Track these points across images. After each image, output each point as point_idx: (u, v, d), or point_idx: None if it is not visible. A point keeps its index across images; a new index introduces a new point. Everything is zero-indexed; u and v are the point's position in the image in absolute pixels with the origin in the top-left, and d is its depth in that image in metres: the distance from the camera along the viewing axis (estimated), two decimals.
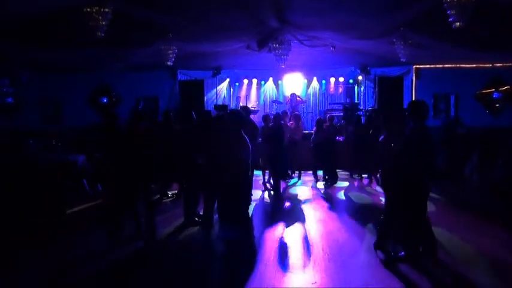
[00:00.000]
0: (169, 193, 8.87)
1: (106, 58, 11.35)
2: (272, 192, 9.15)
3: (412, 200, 4.91)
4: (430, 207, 5.46)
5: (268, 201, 8.74)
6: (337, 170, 10.46)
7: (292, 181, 10.70)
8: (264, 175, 9.68)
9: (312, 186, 10.20)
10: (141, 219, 5.96)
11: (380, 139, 5.37)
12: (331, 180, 10.16)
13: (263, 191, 9.38)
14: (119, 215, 6.15)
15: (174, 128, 7.82)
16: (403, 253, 5.08)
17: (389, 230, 5.24)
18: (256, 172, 9.51)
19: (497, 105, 13.47)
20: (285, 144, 9.50)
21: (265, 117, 9.61)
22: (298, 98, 14.65)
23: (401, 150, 4.91)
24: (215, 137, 5.66)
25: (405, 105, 13.13)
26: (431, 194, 5.24)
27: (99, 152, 6.77)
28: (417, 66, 13.76)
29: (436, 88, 13.68)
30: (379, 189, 9.67)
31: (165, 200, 8.56)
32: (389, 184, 5.28)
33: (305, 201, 8.59)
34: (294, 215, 7.42)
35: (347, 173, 11.60)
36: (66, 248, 5.87)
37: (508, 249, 5.56)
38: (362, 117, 12.69)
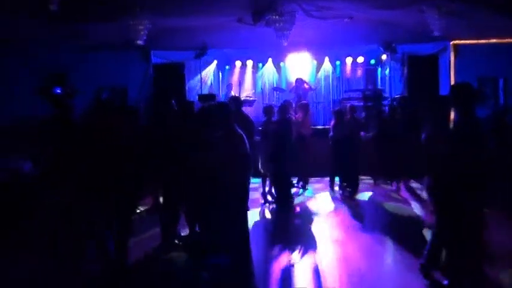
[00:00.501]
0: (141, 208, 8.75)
1: (60, 37, 11.22)
2: (274, 206, 9.11)
3: (469, 213, 4.87)
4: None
5: (270, 217, 8.70)
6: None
7: (299, 191, 10.63)
8: (264, 183, 9.54)
9: (326, 197, 10.18)
10: (108, 245, 5.82)
11: (423, 137, 5.26)
12: (352, 188, 10.12)
13: (262, 205, 9.29)
14: (78, 237, 5.99)
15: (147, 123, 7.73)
16: (446, 282, 5.03)
17: (440, 252, 5.23)
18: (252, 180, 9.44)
19: None
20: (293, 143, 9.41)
21: (268, 109, 9.54)
22: (305, 85, 14.55)
23: (454, 149, 4.86)
24: (198, 135, 5.56)
25: (442, 92, 13.18)
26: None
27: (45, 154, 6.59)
28: (455, 42, 13.72)
29: (481, 70, 13.59)
30: (409, 196, 9.66)
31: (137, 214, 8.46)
32: (440, 193, 5.17)
33: (317, 216, 8.54)
34: (303, 235, 7.38)
35: (368, 177, 11.56)
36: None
37: None
38: (387, 107, 12.63)
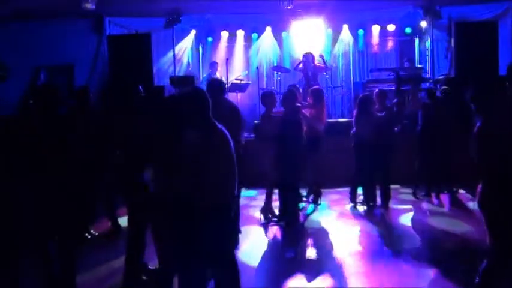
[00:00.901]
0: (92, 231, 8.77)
1: None
2: (278, 225, 9.16)
3: None
4: None
5: (271, 241, 8.71)
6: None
7: (309, 207, 10.65)
8: (268, 197, 9.60)
9: (345, 214, 10.19)
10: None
11: (475, 131, 5.31)
12: (381, 202, 10.20)
13: (263, 224, 9.34)
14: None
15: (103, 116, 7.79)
16: None
17: (496, 282, 5.22)
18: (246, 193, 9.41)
19: None
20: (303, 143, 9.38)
21: (268, 97, 9.48)
22: (316, 63, 14.53)
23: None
24: (169, 132, 5.51)
25: (503, 71, 13.23)
26: None
27: None
28: None
29: None
30: (459, 212, 9.67)
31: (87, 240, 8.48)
32: (495, 206, 5.21)
33: (332, 240, 8.56)
34: (316, 265, 7.40)
35: (407, 189, 11.60)
36: None
37: None
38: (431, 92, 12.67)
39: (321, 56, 14.76)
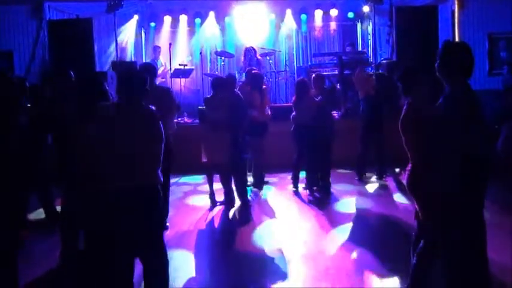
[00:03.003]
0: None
1: None
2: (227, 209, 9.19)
3: (462, 215, 4.90)
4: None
5: (219, 227, 8.67)
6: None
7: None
8: (210, 182, 9.55)
9: (287, 199, 10.17)
10: None
11: (401, 116, 5.27)
12: (323, 184, 10.19)
13: (211, 209, 9.32)
14: None
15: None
16: None
17: (428, 268, 5.25)
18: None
19: None
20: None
21: (219, 83, 9.32)
22: (258, 56, 14.40)
23: (436, 131, 4.90)
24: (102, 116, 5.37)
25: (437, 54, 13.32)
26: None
27: None
28: None
29: (494, 24, 13.94)
30: (403, 194, 9.79)
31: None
32: (420, 189, 5.25)
33: (276, 225, 8.59)
34: (259, 249, 7.41)
35: (348, 171, 11.69)
36: None
37: None
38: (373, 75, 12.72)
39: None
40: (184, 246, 7.43)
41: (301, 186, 10.54)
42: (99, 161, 4.72)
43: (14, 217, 5.98)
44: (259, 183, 10.75)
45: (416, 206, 5.43)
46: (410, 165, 5.33)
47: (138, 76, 4.91)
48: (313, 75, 11.00)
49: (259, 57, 14.44)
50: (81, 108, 5.45)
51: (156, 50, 15.49)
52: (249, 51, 14.28)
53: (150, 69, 7.84)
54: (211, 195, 9.52)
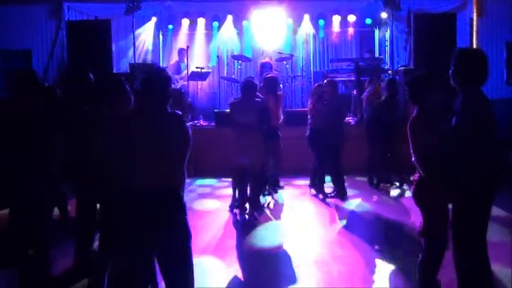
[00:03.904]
0: None
1: None
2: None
3: (465, 224, 4.94)
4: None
5: (232, 230, 8.62)
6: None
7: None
8: (240, 187, 9.31)
9: (302, 203, 10.14)
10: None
11: (409, 122, 5.28)
12: (339, 189, 10.21)
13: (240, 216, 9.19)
14: None
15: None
16: None
17: (434, 274, 5.26)
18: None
19: None
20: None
21: (249, 85, 9.23)
22: (275, 72, 14.22)
23: (447, 140, 4.89)
24: (126, 118, 5.32)
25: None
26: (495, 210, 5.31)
27: None
28: None
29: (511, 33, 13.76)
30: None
31: None
32: (426, 197, 5.24)
33: (287, 229, 8.68)
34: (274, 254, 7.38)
35: (364, 178, 11.62)
36: None
37: None
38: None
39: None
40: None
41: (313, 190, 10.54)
42: (123, 162, 4.62)
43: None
44: (275, 187, 10.75)
45: (422, 219, 5.45)
46: (417, 175, 5.33)
47: (163, 79, 4.85)
48: (325, 80, 10.95)
49: (275, 72, 14.26)
50: (108, 108, 5.44)
51: (182, 52, 15.34)
52: (265, 67, 14.01)
53: (160, 73, 7.88)
54: (236, 202, 9.31)
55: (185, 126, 4.72)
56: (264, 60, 14.31)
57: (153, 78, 4.85)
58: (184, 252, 4.68)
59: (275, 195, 10.58)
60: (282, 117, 10.43)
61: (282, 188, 10.90)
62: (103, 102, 5.63)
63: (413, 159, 5.23)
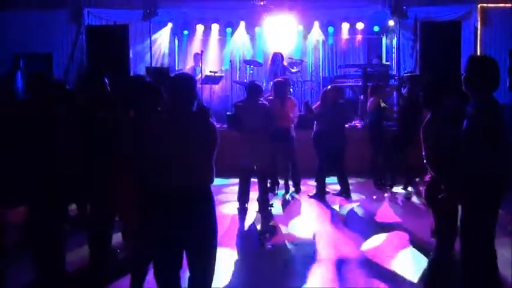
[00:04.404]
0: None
1: None
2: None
3: (476, 226, 4.96)
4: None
5: (242, 228, 8.82)
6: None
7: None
8: (246, 188, 9.57)
9: (303, 203, 10.32)
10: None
11: (423, 128, 5.36)
12: (343, 190, 10.43)
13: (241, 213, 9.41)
14: None
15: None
16: None
17: (445, 277, 5.31)
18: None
19: None
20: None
21: (255, 87, 9.45)
22: (285, 63, 14.44)
23: (460, 143, 4.93)
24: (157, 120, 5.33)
25: (464, 69, 13.35)
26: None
27: None
28: (484, 5, 13.96)
29: None
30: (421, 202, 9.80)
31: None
32: (438, 199, 5.25)
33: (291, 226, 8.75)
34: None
35: (368, 179, 11.72)
36: None
37: None
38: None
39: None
40: None
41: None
42: (157, 164, 4.67)
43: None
44: (296, 189, 10.95)
45: (433, 220, 5.49)
46: (429, 176, 5.37)
47: (190, 82, 4.95)
48: (330, 86, 11.07)
49: (285, 64, 14.49)
50: (136, 110, 5.46)
51: (196, 57, 15.40)
52: (277, 57, 14.27)
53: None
54: (244, 202, 9.47)
55: (212, 126, 4.78)
56: (275, 52, 14.44)
57: (181, 80, 4.99)
58: (211, 246, 4.77)
59: (286, 195, 10.76)
60: (295, 120, 10.57)
61: (299, 191, 10.92)
62: (131, 105, 5.58)
63: (425, 161, 5.28)
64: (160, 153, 4.62)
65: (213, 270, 4.85)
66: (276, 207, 9.92)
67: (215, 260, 4.82)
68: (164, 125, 4.73)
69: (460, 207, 5.14)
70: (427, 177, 5.42)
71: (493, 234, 5.03)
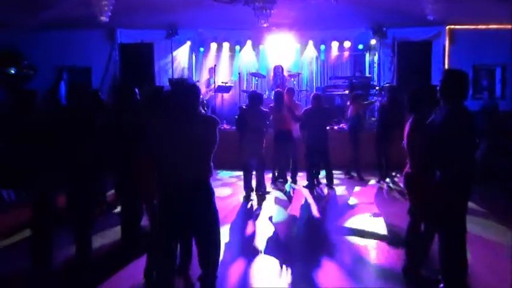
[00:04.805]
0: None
1: (15, 11, 11.18)
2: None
3: (451, 210, 5.00)
4: None
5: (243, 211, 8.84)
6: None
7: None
8: (250, 178, 9.70)
9: (302, 189, 10.41)
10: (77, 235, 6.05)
11: (406, 128, 5.43)
12: (328, 181, 10.59)
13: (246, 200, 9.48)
14: (47, 234, 6.15)
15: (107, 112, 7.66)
16: (442, 285, 5.17)
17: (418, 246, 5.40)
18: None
19: None
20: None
21: (256, 96, 9.64)
22: (285, 73, 14.58)
23: (434, 142, 4.99)
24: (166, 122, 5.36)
25: (434, 80, 13.35)
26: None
27: (4, 145, 6.58)
28: (451, 27, 13.95)
29: (477, 57, 13.92)
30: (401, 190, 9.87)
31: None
32: (415, 185, 5.40)
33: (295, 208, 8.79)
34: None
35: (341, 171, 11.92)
36: None
37: None
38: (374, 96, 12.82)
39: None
40: None
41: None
42: (168, 162, 4.75)
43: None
44: (283, 179, 10.95)
45: (411, 202, 5.56)
46: (408, 167, 5.42)
47: (194, 91, 4.95)
48: (312, 94, 11.06)
49: (285, 75, 14.56)
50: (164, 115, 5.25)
51: (211, 70, 15.58)
52: (278, 69, 14.49)
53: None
54: (250, 188, 9.58)
55: (215, 130, 4.79)
56: (276, 65, 14.68)
57: (186, 90, 4.99)
58: (214, 225, 4.89)
59: (285, 185, 10.74)
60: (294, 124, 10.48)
61: (296, 182, 10.93)
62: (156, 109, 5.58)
63: (406, 155, 5.39)
64: (169, 153, 4.68)
65: (217, 244, 4.96)
66: (277, 194, 10.04)
67: (218, 236, 4.93)
68: (172, 128, 4.72)
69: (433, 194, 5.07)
70: (407, 169, 5.46)
71: (464, 216, 5.04)
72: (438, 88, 5.05)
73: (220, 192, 10.20)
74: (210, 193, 4.83)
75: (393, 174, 11.05)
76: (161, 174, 4.83)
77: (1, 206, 8.81)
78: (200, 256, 4.93)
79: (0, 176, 8.71)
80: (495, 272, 5.75)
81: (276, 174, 10.91)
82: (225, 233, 7.40)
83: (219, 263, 5.01)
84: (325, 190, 10.32)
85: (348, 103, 12.23)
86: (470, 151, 4.97)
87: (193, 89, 4.87)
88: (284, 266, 6.12)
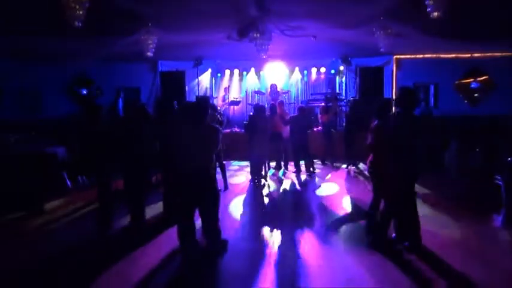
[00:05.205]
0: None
1: (85, 48, 11.22)
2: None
3: (407, 188, 5.01)
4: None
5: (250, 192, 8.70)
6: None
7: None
8: (260, 170, 9.50)
9: (293, 175, 10.23)
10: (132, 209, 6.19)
11: (373, 125, 5.41)
12: (307, 169, 10.41)
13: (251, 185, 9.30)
14: (109, 206, 6.26)
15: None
16: (407, 243, 5.15)
17: (385, 224, 5.26)
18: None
19: (476, 94, 13.64)
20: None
21: (259, 107, 9.56)
22: (278, 89, 14.55)
23: (395, 136, 4.97)
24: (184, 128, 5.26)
25: (386, 95, 13.33)
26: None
27: (80, 145, 6.59)
28: (397, 56, 13.86)
29: (416, 78, 13.78)
30: (363, 176, 9.68)
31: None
32: (375, 170, 5.42)
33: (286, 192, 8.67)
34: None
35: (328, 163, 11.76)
36: (47, 240, 5.87)
37: (480, 236, 5.69)
38: (343, 107, 12.76)
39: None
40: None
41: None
42: (181, 156, 4.84)
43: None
44: (279, 168, 10.91)
45: (372, 183, 5.61)
46: (371, 156, 5.46)
47: (202, 106, 4.98)
48: (299, 106, 11.13)
49: (278, 90, 14.51)
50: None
51: (226, 89, 15.60)
52: (273, 86, 14.43)
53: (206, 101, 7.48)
54: (256, 174, 9.34)
55: (217, 136, 4.86)
56: (272, 83, 14.64)
57: (196, 105, 5.02)
58: (214, 203, 4.97)
59: (280, 171, 10.68)
60: (284, 127, 10.39)
61: (287, 169, 10.89)
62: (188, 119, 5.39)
63: (370, 148, 5.42)
64: (182, 148, 4.79)
65: (216, 217, 5.05)
66: (274, 177, 9.97)
67: (216, 211, 5.00)
68: (186, 131, 4.81)
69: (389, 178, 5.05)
70: (370, 158, 5.48)
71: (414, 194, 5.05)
72: (394, 101, 5.11)
73: (233, 174, 10.27)
74: (211, 179, 4.93)
75: (357, 162, 11.04)
76: (177, 164, 4.87)
77: (78, 187, 8.87)
78: (203, 224, 5.06)
79: (77, 166, 8.84)
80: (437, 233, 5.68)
81: (274, 164, 10.85)
82: (239, 201, 7.59)
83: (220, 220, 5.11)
84: (306, 174, 10.22)
85: (321, 112, 12.21)
86: (417, 147, 4.91)
87: (200, 106, 4.89)
88: (275, 229, 6.06)
